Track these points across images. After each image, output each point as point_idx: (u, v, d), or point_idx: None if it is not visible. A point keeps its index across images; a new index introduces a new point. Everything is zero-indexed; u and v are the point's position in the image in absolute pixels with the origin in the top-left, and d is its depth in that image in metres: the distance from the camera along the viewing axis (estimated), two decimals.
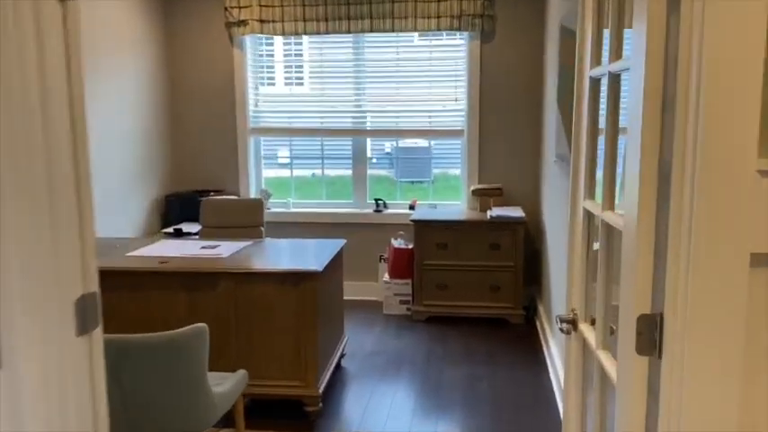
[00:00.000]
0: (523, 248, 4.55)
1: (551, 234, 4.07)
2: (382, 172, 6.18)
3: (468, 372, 3.77)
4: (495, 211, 4.63)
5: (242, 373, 2.60)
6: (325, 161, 5.43)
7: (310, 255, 3.41)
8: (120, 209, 4.54)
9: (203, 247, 3.55)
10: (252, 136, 5.27)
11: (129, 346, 2.06)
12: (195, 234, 4.51)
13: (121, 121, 4.53)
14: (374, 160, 9.40)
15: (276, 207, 5.34)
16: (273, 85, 5.27)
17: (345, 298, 5.21)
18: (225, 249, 3.50)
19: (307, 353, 3.11)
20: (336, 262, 3.65)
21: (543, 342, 4.18)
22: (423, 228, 4.61)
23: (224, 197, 4.50)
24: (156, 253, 3.43)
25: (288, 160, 5.53)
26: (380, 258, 5.13)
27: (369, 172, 5.33)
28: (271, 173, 5.72)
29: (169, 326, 3.13)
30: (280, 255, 3.42)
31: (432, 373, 3.75)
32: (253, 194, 5.31)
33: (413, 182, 10.44)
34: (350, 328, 4.52)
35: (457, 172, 5.27)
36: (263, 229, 4.23)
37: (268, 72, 5.24)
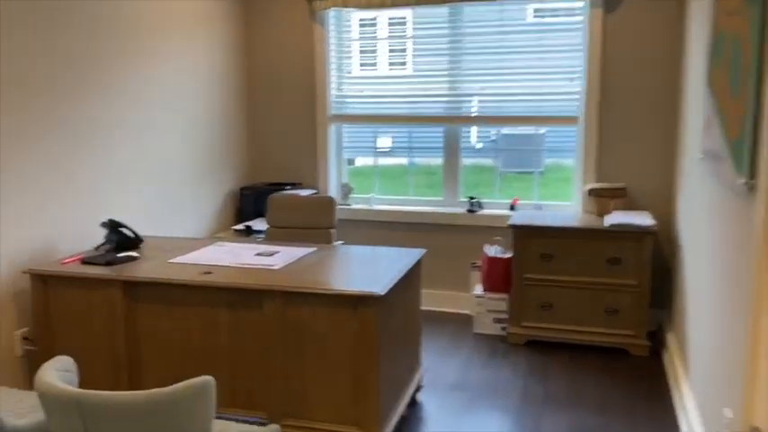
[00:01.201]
0: (650, 264, 3.68)
1: (690, 249, 3.20)
2: (485, 161, 5.46)
3: (573, 420, 3.01)
4: (616, 217, 3.78)
5: (274, 429, 2.02)
6: (414, 152, 4.77)
7: (379, 269, 2.78)
8: (190, 202, 4.13)
9: (258, 254, 3.02)
10: (332, 124, 4.71)
11: (102, 406, 1.53)
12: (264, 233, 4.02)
13: (192, 107, 4.11)
14: (480, 146, 8.59)
15: (357, 203, 4.76)
16: (360, 67, 4.67)
17: (429, 308, 4.55)
18: (281, 258, 2.95)
19: (366, 391, 2.49)
20: (412, 277, 3.00)
21: (672, 382, 3.33)
22: (524, 234, 3.85)
23: (291, 193, 3.96)
24: (203, 259, 2.93)
25: (372, 151, 4.92)
26: (473, 266, 4.42)
27: (467, 162, 4.61)
28: (354, 165, 5.15)
29: (208, 351, 2.62)
30: (342, 268, 2.82)
31: (527, 420, 3.03)
32: (333, 189, 4.77)
33: (519, 173, 9.57)
34: (431, 348, 3.86)
35: (572, 162, 4.45)
36: (333, 231, 3.65)
37: (349, 53, 4.65)
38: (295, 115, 4.72)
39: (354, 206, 4.71)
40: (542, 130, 4.51)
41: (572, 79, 4.21)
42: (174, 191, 4.01)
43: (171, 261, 2.92)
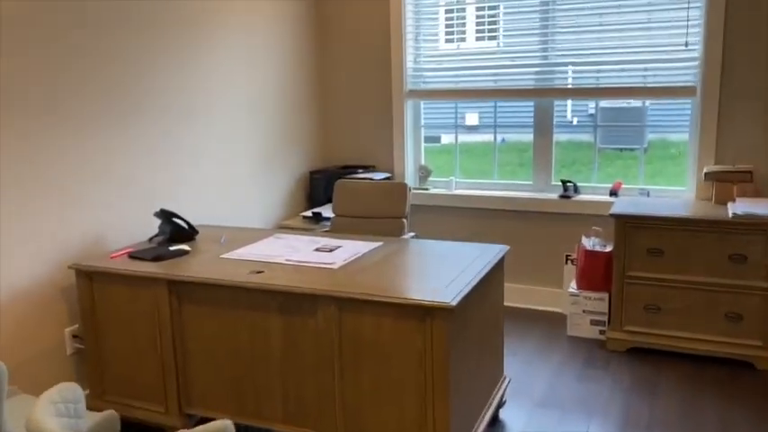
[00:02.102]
0: None
1: None
2: (582, 137, 4.89)
3: None
4: (741, 206, 3.17)
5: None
6: (500, 130, 4.29)
7: (454, 270, 2.38)
8: (257, 188, 3.88)
9: (318, 249, 2.69)
10: (409, 100, 4.30)
11: None
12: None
13: (259, 86, 3.83)
14: (575, 121, 7.90)
15: (437, 187, 4.35)
16: (436, 39, 4.23)
17: (517, 305, 4.10)
18: (343, 254, 2.61)
19: (434, 414, 2.11)
20: (493, 278, 2.58)
21: None
22: (628, 225, 3.32)
23: (359, 179, 3.60)
24: (258, 254, 2.64)
25: (453, 130, 4.48)
26: (567, 259, 3.92)
27: (562, 137, 4.08)
28: (433, 146, 4.74)
29: (259, 360, 2.33)
30: (411, 268, 2.44)
31: None
32: (410, 172, 4.37)
33: (620, 149, 8.78)
34: (518, 353, 3.42)
35: (682, 137, 3.83)
36: (404, 221, 3.27)
37: (430, 22, 4.20)
38: (369, 92, 4.35)
39: (433, 191, 4.30)
40: (647, 103, 3.90)
41: (687, 44, 3.58)
42: (240, 176, 3.76)
43: (223, 256, 2.64)
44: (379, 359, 2.17)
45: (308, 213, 3.99)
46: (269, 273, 2.40)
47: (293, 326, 2.29)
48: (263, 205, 3.98)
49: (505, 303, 4.13)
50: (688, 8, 3.52)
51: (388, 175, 4.25)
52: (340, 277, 2.32)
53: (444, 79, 4.20)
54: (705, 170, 3.46)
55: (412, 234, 3.24)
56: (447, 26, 4.17)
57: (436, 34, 4.19)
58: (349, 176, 4.10)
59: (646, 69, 3.67)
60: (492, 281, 2.57)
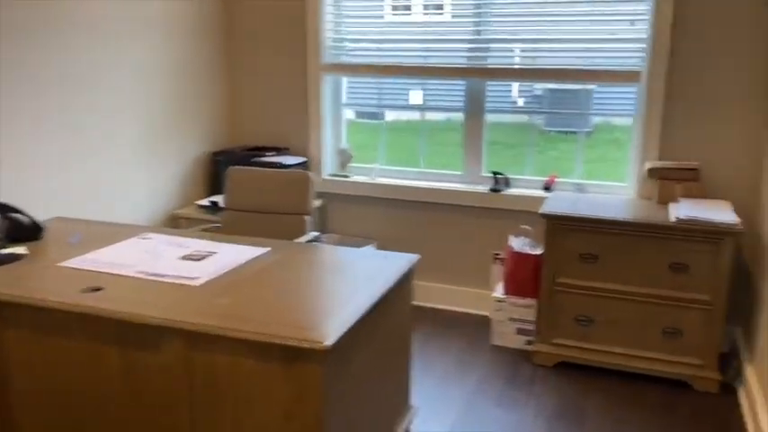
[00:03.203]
0: (730, 275, 2.74)
1: None
2: (523, 118, 4.54)
3: None
4: (685, 208, 2.83)
5: None
6: (428, 114, 3.85)
7: (346, 289, 1.93)
8: (148, 167, 3.33)
9: (186, 257, 2.20)
10: (327, 74, 3.80)
11: None
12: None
13: (154, 50, 3.26)
14: (521, 102, 7.50)
15: (357, 174, 3.88)
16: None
17: (440, 307, 3.71)
18: (214, 264, 2.13)
19: None
20: (398, 294, 2.15)
21: (753, 430, 2.45)
22: (559, 226, 2.94)
23: (262, 165, 3.10)
24: (105, 263, 2.13)
25: (376, 111, 4.02)
26: (495, 258, 3.54)
27: (506, 119, 3.66)
28: (355, 128, 4.28)
29: (97, 399, 1.85)
30: (293, 286, 1.98)
31: None
32: (328, 155, 3.90)
33: (566, 132, 8.49)
34: (435, 365, 3.03)
35: (626, 122, 3.47)
36: (307, 219, 2.80)
37: None
38: (282, 63, 3.83)
39: (353, 178, 3.84)
40: (591, 86, 3.52)
41: (633, 22, 3.19)
42: (123, 156, 3.21)
43: (61, 264, 2.12)
44: (239, 409, 1.72)
45: (205, 202, 3.48)
46: (110, 290, 1.91)
47: (134, 362, 1.81)
48: (153, 191, 3.44)
49: (428, 305, 3.74)
50: None
51: (302, 159, 3.76)
52: (197, 299, 1.85)
53: (368, 53, 3.72)
54: (648, 166, 3.10)
55: (315, 234, 2.79)
56: None
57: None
58: (255, 160, 3.60)
59: (588, 51, 3.28)
60: (396, 298, 2.14)
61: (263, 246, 2.34)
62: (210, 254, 2.24)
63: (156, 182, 3.46)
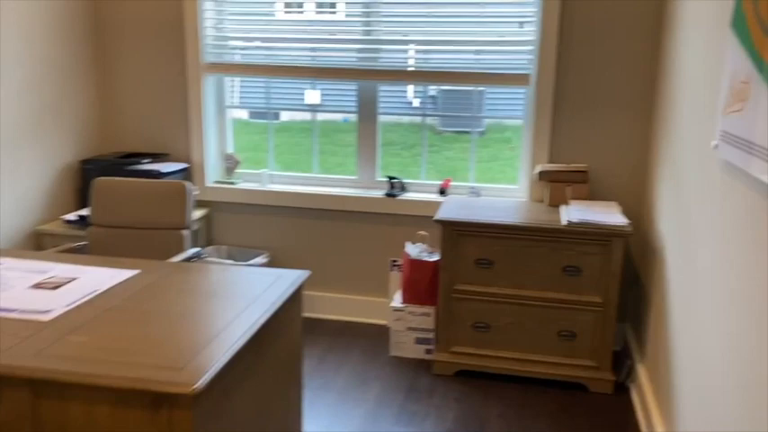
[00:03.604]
0: (620, 276, 2.77)
1: (681, 257, 2.28)
2: (419, 118, 4.43)
3: None
4: (576, 212, 2.84)
5: None
6: (320, 117, 3.68)
7: (224, 316, 1.73)
8: (7, 176, 2.95)
9: (39, 285, 1.92)
10: (209, 74, 3.54)
11: None
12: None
13: (9, 49, 2.88)
14: (417, 102, 7.49)
15: (246, 181, 3.66)
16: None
17: (339, 318, 3.56)
18: (71, 293, 1.86)
19: None
20: (287, 315, 1.98)
21: (645, 431, 2.48)
22: (454, 232, 2.87)
23: (138, 173, 2.82)
24: None
25: (265, 114, 3.81)
26: (393, 265, 3.44)
27: (404, 119, 3.55)
28: (243, 131, 4.04)
29: None
30: (162, 316, 1.75)
31: None
32: (211, 160, 3.64)
33: (459, 132, 8.62)
34: (332, 383, 2.87)
35: (517, 122, 3.47)
36: (185, 233, 2.56)
37: None
38: (160, 62, 3.53)
39: (241, 185, 3.61)
40: (481, 87, 3.49)
41: (522, 25, 3.18)
42: None
43: None
44: None
45: (72, 217, 3.13)
46: None
47: None
48: (13, 206, 3.06)
49: (325, 317, 3.58)
50: None
51: (182, 166, 3.49)
52: (47, 338, 1.59)
53: (254, 52, 3.50)
54: (539, 169, 3.10)
55: (195, 250, 2.55)
56: None
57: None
58: (130, 168, 3.30)
59: (478, 53, 3.23)
60: (283, 320, 1.96)
61: (133, 268, 2.09)
62: (69, 280, 1.96)
63: (17, 194, 3.08)
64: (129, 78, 3.58)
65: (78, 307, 1.78)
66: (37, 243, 3.18)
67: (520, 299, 2.87)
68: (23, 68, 3.07)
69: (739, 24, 1.66)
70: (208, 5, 3.44)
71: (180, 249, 2.51)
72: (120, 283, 1.97)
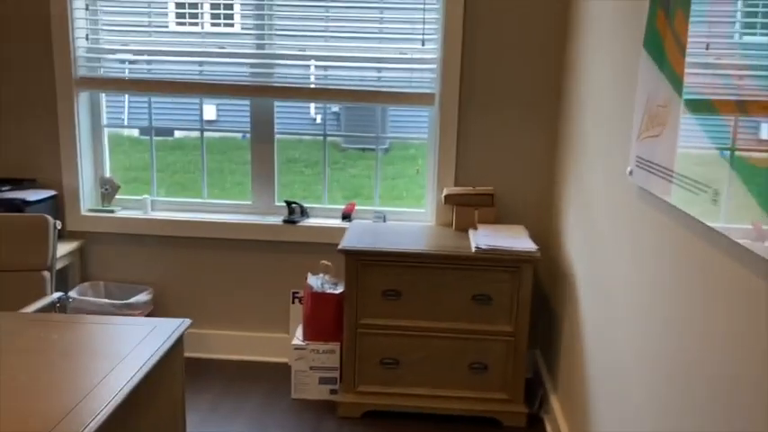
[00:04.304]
0: (530, 303, 2.66)
1: (592, 283, 2.19)
2: (319, 137, 4.32)
3: None
4: (484, 237, 2.71)
5: None
6: (209, 137, 3.39)
7: (88, 380, 1.43)
8: None
9: None
10: (82, 90, 3.17)
11: None
12: None
13: None
14: (317, 120, 7.23)
15: (128, 209, 3.29)
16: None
17: (236, 358, 3.26)
18: None
19: None
20: (165, 372, 1.69)
21: None
22: (359, 262, 2.67)
23: None
24: None
25: (147, 134, 3.48)
26: (294, 297, 3.19)
27: (306, 137, 3.31)
28: (135, 149, 3.69)
29: None
30: (12, 385, 1.42)
31: None
32: (88, 186, 3.25)
33: (363, 149, 8.47)
34: (227, 431, 2.58)
35: (422, 138, 3.36)
36: (47, 275, 2.20)
37: None
38: (26, 76, 3.12)
39: (121, 213, 3.24)
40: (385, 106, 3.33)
41: (423, 42, 3.05)
42: None
43: None
44: None
45: None
46: None
47: None
48: None
49: (220, 357, 3.26)
50: (424, 8, 2.97)
51: (50, 193, 3.08)
52: None
53: (135, 66, 3.16)
54: (445, 192, 2.96)
55: (58, 295, 2.19)
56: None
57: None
58: None
59: (380, 70, 3.07)
60: (161, 377, 1.67)
61: None
62: None
63: None
64: None
65: None
66: None
67: (430, 331, 2.70)
68: None
69: (653, 43, 1.57)
70: (79, 14, 3.07)
71: (40, 294, 2.14)
72: None
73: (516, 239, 2.70)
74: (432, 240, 2.81)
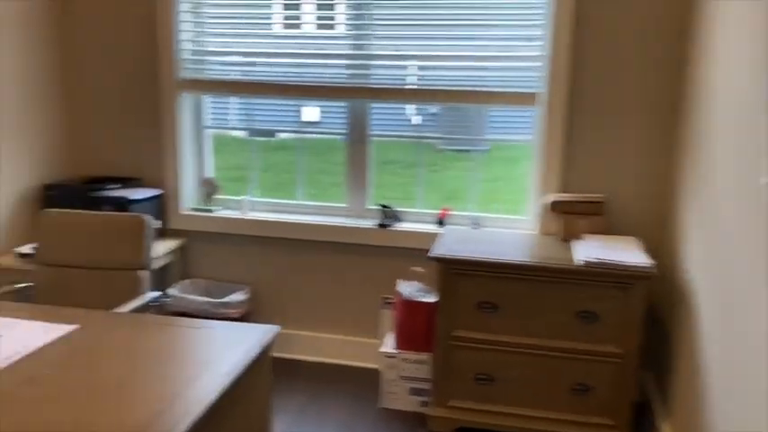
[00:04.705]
0: (643, 322, 2.43)
1: (715, 307, 1.94)
2: (417, 139, 4.17)
3: None
4: (591, 248, 2.50)
5: None
6: (310, 138, 3.37)
7: (173, 387, 1.40)
8: None
9: None
10: (185, 92, 3.24)
11: None
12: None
13: None
14: (417, 120, 7.15)
15: (228, 208, 3.33)
16: (225, 15, 3.19)
17: (326, 361, 3.22)
18: None
19: None
20: (253, 378, 1.64)
21: None
22: (453, 271, 2.53)
23: (72, 211, 2.45)
24: None
25: (252, 135, 3.51)
26: (385, 303, 3.11)
27: (403, 138, 3.24)
28: (223, 154, 3.75)
29: None
30: (98, 391, 1.42)
31: None
32: (188, 186, 3.32)
33: (459, 150, 8.28)
34: None
35: (523, 137, 3.18)
36: (143, 274, 2.23)
37: None
38: (132, 77, 3.23)
39: (219, 213, 3.28)
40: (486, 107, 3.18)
41: (530, 39, 2.87)
42: None
43: None
44: None
45: (27, 249, 2.81)
46: None
47: None
48: None
49: (310, 359, 3.24)
50: (531, 3, 2.80)
51: (155, 192, 3.17)
52: None
53: (234, 68, 3.19)
54: (549, 199, 2.77)
55: (155, 294, 2.22)
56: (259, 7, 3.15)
57: (222, 4, 3.16)
58: (95, 194, 2.98)
59: (481, 70, 2.92)
60: (247, 386, 1.63)
61: (71, 321, 1.76)
62: None
63: None
64: (99, 95, 3.27)
65: None
66: None
67: (528, 348, 2.52)
68: None
69: None
70: (185, 17, 3.14)
71: (137, 293, 2.18)
72: (52, 342, 1.64)
73: (628, 253, 2.47)
74: (533, 250, 2.63)
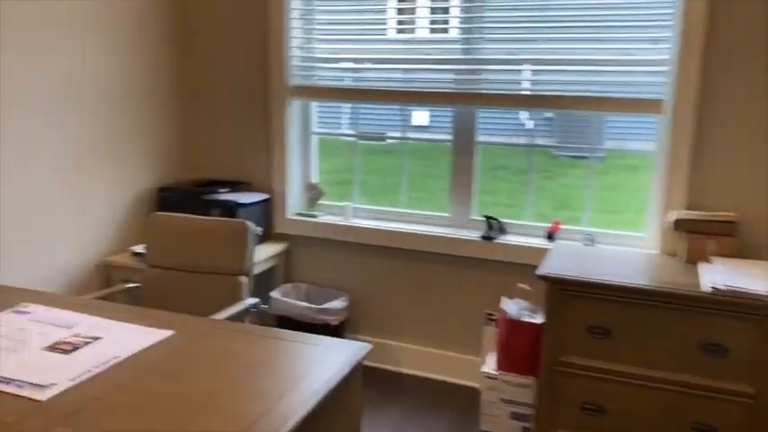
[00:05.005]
0: None
1: None
2: (540, 141, 4.09)
3: None
4: (722, 274, 2.24)
5: None
6: (419, 143, 3.30)
7: (262, 404, 1.36)
8: (77, 204, 2.80)
9: (55, 346, 1.65)
10: (294, 99, 3.26)
11: None
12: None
13: (88, 69, 2.74)
14: (531, 124, 6.94)
15: (331, 214, 3.33)
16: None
17: (424, 375, 3.13)
18: (82, 363, 1.57)
19: None
20: (343, 397, 1.58)
21: None
22: (562, 291, 2.36)
23: (179, 215, 2.51)
24: None
25: (361, 139, 3.49)
26: (488, 319, 2.96)
27: (521, 141, 3.10)
28: (330, 157, 3.77)
29: None
30: (184, 401, 1.41)
31: None
32: (294, 190, 3.35)
33: (575, 157, 7.89)
34: None
35: (643, 146, 2.93)
36: (243, 280, 2.24)
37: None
38: (244, 84, 3.30)
39: (323, 218, 3.28)
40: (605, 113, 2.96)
41: (656, 41, 2.62)
42: (49, 191, 2.68)
43: None
44: None
45: (140, 248, 2.93)
46: None
47: None
48: (82, 233, 2.91)
49: (410, 372, 3.17)
50: (657, 3, 2.56)
51: (263, 196, 3.23)
52: (32, 427, 1.29)
53: (342, 74, 3.18)
54: (674, 217, 2.52)
55: (253, 301, 2.22)
56: (347, 5, 3.13)
57: (332, 10, 3.15)
58: (207, 197, 3.07)
59: (600, 74, 2.71)
60: (337, 403, 1.57)
61: (167, 326, 1.78)
62: (90, 341, 1.68)
63: (87, 223, 2.92)
64: (213, 101, 3.37)
65: (85, 382, 1.47)
66: (104, 275, 3.01)
67: (643, 379, 2.30)
68: (97, 87, 2.92)
69: None
70: (295, 24, 3.16)
71: (236, 299, 2.19)
72: (147, 348, 1.66)
73: (762, 280, 2.19)
74: (653, 272, 2.39)
